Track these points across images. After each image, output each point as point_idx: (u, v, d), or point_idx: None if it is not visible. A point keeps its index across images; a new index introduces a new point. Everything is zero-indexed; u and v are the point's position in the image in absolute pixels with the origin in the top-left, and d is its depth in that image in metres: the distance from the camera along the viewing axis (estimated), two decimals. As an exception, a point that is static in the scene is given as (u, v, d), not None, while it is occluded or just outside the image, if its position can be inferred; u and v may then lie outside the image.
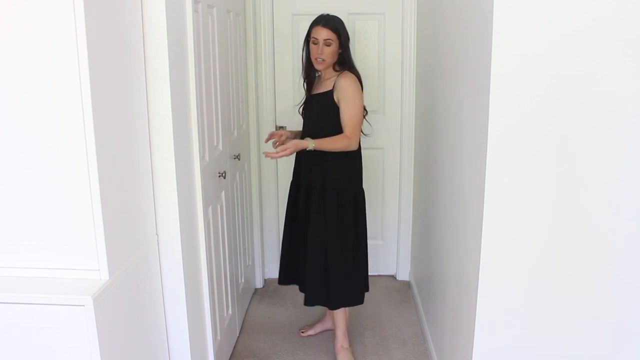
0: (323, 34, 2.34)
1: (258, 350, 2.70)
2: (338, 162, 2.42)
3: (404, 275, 3.50)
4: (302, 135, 2.49)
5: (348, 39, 2.42)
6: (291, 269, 2.65)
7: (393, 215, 3.45)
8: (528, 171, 1.63)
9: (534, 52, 1.54)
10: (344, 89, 2.35)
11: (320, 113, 2.43)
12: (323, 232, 2.44)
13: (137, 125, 1.74)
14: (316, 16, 2.41)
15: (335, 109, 2.37)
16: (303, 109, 2.57)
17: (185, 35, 1.91)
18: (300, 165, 2.55)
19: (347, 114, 2.35)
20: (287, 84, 3.25)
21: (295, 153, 2.48)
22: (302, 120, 2.56)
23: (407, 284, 3.46)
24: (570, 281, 1.69)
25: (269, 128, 3.26)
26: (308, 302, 2.55)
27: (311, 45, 2.39)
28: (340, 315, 2.60)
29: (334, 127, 2.38)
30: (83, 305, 1.42)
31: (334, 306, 2.56)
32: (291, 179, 2.64)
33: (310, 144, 2.32)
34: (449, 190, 2.23)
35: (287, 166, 2.63)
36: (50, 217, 1.49)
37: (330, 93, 2.38)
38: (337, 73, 2.41)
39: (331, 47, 2.35)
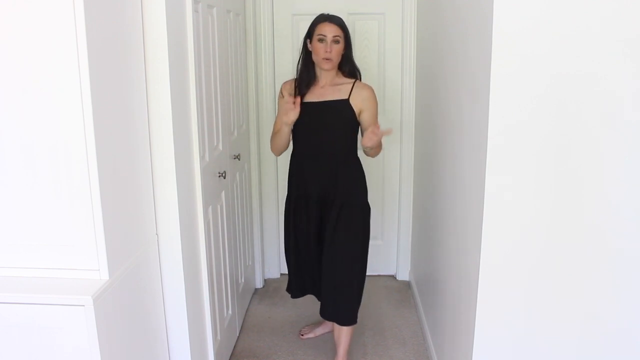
0: (331, 29, 2.24)
1: (258, 350, 2.70)
2: (359, 175, 2.42)
3: (404, 275, 3.50)
4: (303, 140, 2.40)
5: (350, 38, 2.37)
6: (306, 283, 2.57)
7: (393, 215, 3.45)
8: (528, 171, 1.63)
9: (534, 52, 1.54)
10: (368, 100, 2.32)
11: (342, 121, 2.33)
12: (344, 245, 2.35)
13: (137, 125, 1.73)
14: (316, 16, 2.32)
15: (354, 117, 2.33)
16: (304, 114, 2.29)
17: (185, 35, 1.91)
18: (307, 178, 2.41)
19: (373, 122, 2.32)
20: (287, 84, 3.25)
21: (297, 164, 2.44)
22: None
23: (407, 284, 3.46)
24: (570, 281, 1.69)
25: (269, 128, 3.26)
26: (345, 322, 2.44)
27: (317, 44, 2.26)
28: (351, 332, 2.50)
29: (353, 134, 2.37)
30: (83, 305, 1.42)
31: (355, 320, 2.45)
32: (289, 191, 2.51)
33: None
34: (449, 190, 2.23)
35: (287, 166, 2.61)
36: (50, 217, 1.49)
37: (347, 101, 2.30)
38: (349, 80, 2.34)
39: (339, 44, 2.26)
